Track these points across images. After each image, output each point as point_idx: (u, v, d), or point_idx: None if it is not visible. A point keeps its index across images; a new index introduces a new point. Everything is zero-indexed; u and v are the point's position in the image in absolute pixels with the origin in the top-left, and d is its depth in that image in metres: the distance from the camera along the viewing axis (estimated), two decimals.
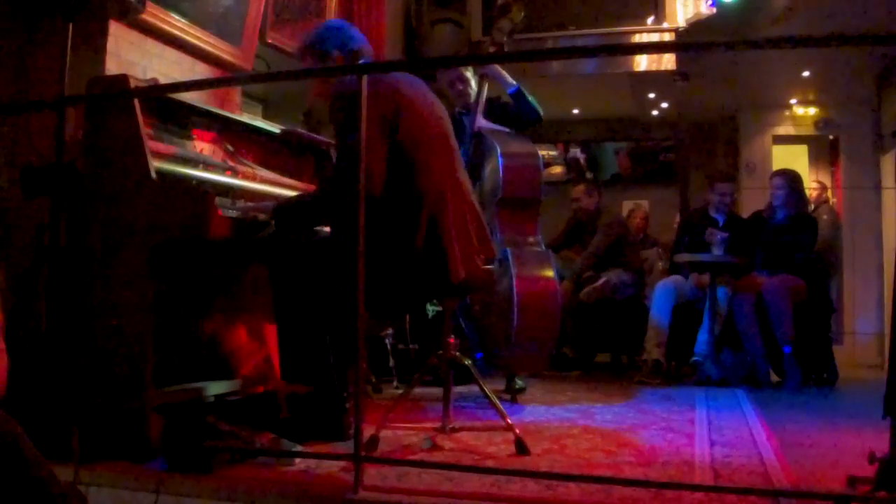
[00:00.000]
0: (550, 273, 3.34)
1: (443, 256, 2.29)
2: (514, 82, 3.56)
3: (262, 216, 2.38)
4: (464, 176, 2.54)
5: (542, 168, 3.50)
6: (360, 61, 2.44)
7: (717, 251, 4.35)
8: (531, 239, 3.41)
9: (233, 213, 2.29)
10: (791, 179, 4.60)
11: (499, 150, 3.34)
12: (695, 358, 4.32)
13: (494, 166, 3.36)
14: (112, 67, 2.55)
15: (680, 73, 5.76)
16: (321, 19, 4.11)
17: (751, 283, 4.37)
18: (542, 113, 3.58)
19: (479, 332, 3.45)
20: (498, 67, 3.53)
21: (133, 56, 2.69)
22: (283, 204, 2.42)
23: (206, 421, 2.10)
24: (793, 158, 7.82)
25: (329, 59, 2.43)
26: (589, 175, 8.07)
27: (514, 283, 3.18)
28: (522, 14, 3.52)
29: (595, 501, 1.72)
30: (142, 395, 2.05)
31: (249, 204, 2.44)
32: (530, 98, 3.57)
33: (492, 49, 3.54)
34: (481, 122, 3.51)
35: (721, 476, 1.97)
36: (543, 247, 3.45)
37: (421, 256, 2.28)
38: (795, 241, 4.43)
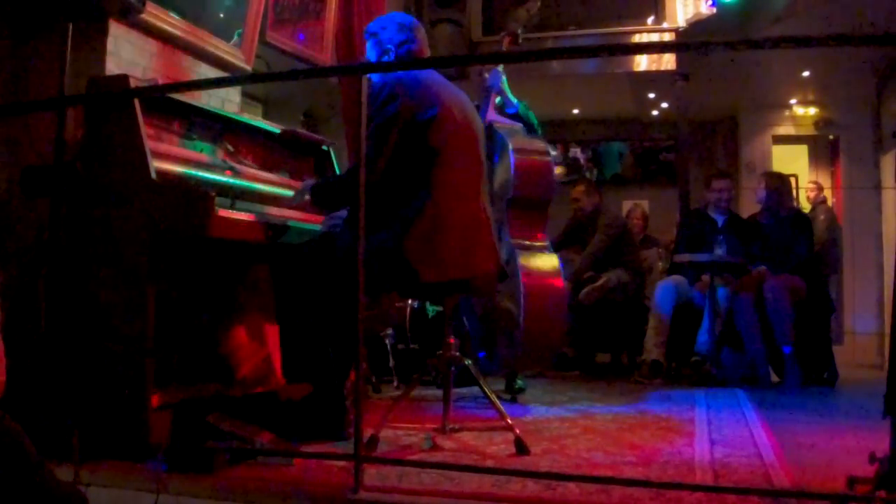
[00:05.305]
0: (558, 274, 3.31)
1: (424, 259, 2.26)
2: (516, 102, 3.48)
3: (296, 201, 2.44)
4: (484, 188, 2.51)
5: (553, 168, 3.44)
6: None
7: (718, 250, 4.36)
8: (539, 241, 3.38)
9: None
10: (769, 180, 4.70)
11: (511, 148, 3.30)
12: (695, 358, 4.33)
13: (506, 164, 3.31)
14: (112, 67, 2.55)
15: (680, 73, 5.76)
16: (321, 19, 4.11)
17: (751, 282, 4.37)
18: (539, 132, 3.53)
19: (484, 330, 3.44)
20: (503, 85, 3.42)
21: (133, 56, 2.69)
22: (319, 182, 2.45)
23: (206, 421, 2.10)
24: (793, 158, 7.84)
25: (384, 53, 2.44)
26: (590, 175, 8.08)
27: (521, 283, 3.16)
28: (539, 3, 3.40)
29: (595, 501, 1.72)
30: (142, 394, 2.05)
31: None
32: (530, 116, 3.51)
33: (507, 40, 3.44)
34: (493, 115, 3.46)
35: (721, 476, 1.96)
36: (551, 248, 3.42)
37: (405, 253, 2.25)
38: (788, 243, 4.43)
